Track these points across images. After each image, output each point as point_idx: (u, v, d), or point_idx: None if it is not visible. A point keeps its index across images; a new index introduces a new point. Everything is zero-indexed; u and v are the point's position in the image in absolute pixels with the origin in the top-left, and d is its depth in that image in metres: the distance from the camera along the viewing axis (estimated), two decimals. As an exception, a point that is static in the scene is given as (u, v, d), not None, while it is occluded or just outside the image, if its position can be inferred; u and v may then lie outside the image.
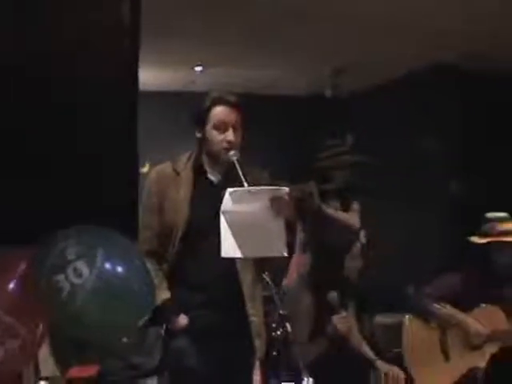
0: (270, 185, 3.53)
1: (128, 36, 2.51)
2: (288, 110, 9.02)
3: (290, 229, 3.53)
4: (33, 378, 3.78)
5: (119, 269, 2.30)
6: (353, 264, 4.79)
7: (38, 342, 2.60)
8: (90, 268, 2.23)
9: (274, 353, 3.36)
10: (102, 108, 2.50)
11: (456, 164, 7.82)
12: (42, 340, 2.63)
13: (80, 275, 2.21)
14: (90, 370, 6.76)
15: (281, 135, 8.91)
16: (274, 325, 3.27)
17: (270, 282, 3.47)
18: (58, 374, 6.21)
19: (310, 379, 2.93)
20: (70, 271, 2.22)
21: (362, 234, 7.78)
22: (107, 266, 2.27)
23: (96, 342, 2.92)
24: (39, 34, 2.38)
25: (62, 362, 6.33)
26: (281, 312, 3.16)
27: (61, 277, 2.23)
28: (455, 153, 7.85)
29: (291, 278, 5.48)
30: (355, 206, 5.99)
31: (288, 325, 3.13)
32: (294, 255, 5.63)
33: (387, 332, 6.47)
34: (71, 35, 2.40)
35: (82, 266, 2.22)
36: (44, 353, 6.07)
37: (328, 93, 8.20)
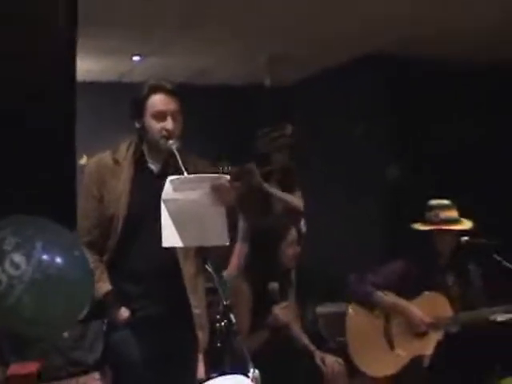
0: (211, 173, 3.50)
1: (65, 27, 2.43)
2: (227, 99, 9.02)
3: (230, 217, 3.50)
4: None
5: (58, 259, 2.22)
6: (289, 251, 4.68)
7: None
8: (27, 259, 2.15)
9: (218, 344, 3.31)
10: (38, 99, 2.41)
11: (394, 151, 7.91)
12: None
13: (17, 267, 2.14)
14: (30, 367, 6.66)
15: (220, 124, 8.91)
16: (218, 316, 3.22)
17: (212, 273, 3.42)
18: (-3, 370, 6.11)
19: (256, 370, 2.88)
20: (7, 263, 2.14)
21: (303, 222, 7.82)
22: (45, 257, 2.19)
23: (34, 336, 2.83)
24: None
25: (3, 359, 6.22)
26: (225, 303, 3.11)
27: (-4, 268, 2.15)
28: (393, 140, 7.94)
29: (232, 268, 5.45)
30: (297, 192, 6.02)
31: (232, 316, 3.09)
32: (235, 245, 5.61)
33: (330, 321, 6.50)
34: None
35: (19, 257, 2.14)
36: (-18, 350, 5.97)
37: (267, 82, 8.18)
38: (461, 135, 7.82)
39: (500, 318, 4.60)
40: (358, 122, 7.97)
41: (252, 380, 2.84)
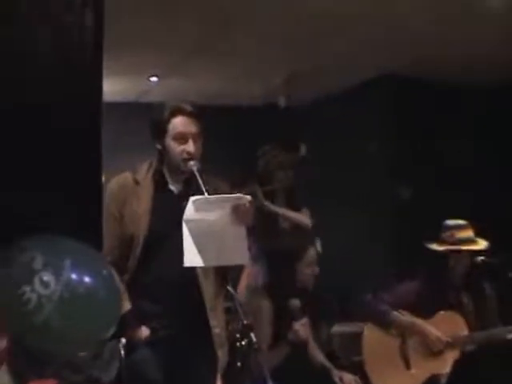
0: (231, 193, 3.53)
1: (91, 47, 2.49)
2: (240, 119, 9.09)
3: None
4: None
5: (86, 279, 2.26)
6: (307, 271, 4.81)
7: (2, 353, 2.55)
8: (56, 278, 2.19)
9: (238, 363, 3.34)
10: (65, 118, 2.46)
11: (405, 170, 7.92)
12: (5, 353, 2.58)
13: (47, 285, 2.18)
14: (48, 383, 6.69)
15: (234, 145, 8.97)
16: (237, 335, 3.26)
17: (233, 292, 3.46)
18: (14, 387, 6.13)
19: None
20: (36, 282, 2.18)
21: (318, 242, 7.83)
22: (74, 276, 2.23)
23: (60, 354, 2.86)
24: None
25: (20, 375, 6.24)
26: (244, 322, 3.14)
27: (27, 288, 2.19)
28: (403, 158, 7.96)
29: (241, 289, 5.47)
30: (304, 211, 6.01)
31: (252, 335, 3.12)
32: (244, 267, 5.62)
33: (345, 341, 6.50)
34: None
35: (48, 276, 2.18)
36: (2, 366, 5.99)
37: (281, 102, 8.22)
38: (473, 154, 7.90)
39: None
40: (369, 141, 7.99)
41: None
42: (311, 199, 6.32)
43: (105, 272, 2.36)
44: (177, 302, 3.61)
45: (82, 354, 5.99)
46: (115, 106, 8.45)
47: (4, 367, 6.00)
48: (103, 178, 3.76)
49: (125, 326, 3.57)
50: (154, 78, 7.94)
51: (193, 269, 3.53)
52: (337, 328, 6.82)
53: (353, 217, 8.10)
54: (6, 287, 2.25)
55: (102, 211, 2.74)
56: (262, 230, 5.55)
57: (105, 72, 6.91)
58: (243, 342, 3.11)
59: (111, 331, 2.37)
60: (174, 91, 8.22)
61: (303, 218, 5.97)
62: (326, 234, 8.02)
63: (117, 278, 2.91)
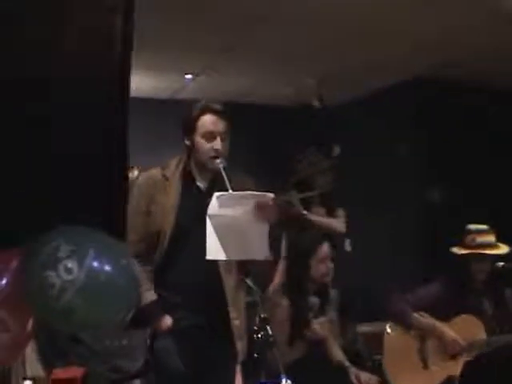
0: (256, 191, 3.61)
1: (120, 44, 2.61)
2: (274, 119, 9.11)
3: (272, 234, 3.64)
4: (21, 376, 3.88)
5: (107, 267, 2.41)
6: (321, 267, 4.87)
7: (27, 336, 2.71)
8: (79, 266, 2.35)
9: (255, 355, 3.46)
10: (92, 110, 2.60)
11: (434, 173, 7.94)
12: (30, 335, 2.74)
13: (70, 272, 2.34)
14: (74, 372, 6.86)
15: (265, 144, 9.01)
16: (255, 327, 3.38)
17: (252, 286, 3.57)
18: (42, 374, 6.31)
19: (289, 381, 3.03)
20: (61, 268, 2.34)
21: (348, 241, 7.91)
22: (96, 264, 2.39)
23: (83, 337, 3.01)
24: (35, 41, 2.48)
25: (47, 363, 6.43)
26: (262, 315, 3.26)
27: (52, 273, 2.35)
28: (433, 162, 7.97)
29: (275, 284, 5.59)
30: (340, 212, 6.09)
31: (268, 327, 3.24)
32: (280, 262, 5.74)
33: (370, 341, 6.57)
34: (66, 45, 2.50)
35: (72, 263, 2.34)
36: (30, 353, 6.18)
37: (316, 103, 8.26)
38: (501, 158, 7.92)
39: None
40: (400, 144, 8.04)
41: (286, 389, 2.99)
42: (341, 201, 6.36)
43: (124, 261, 2.51)
44: (199, 295, 3.75)
45: (106, 341, 6.19)
46: (151, 102, 8.65)
47: (35, 357, 6.19)
48: (137, 173, 3.92)
49: (150, 315, 3.74)
50: (188, 76, 8.02)
51: (215, 263, 3.66)
52: (363, 328, 6.91)
53: (381, 219, 8.17)
54: (33, 273, 2.41)
55: (127, 205, 2.87)
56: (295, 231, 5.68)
57: (141, 69, 7.13)
58: (260, 335, 3.23)
59: (129, 316, 2.51)
60: (207, 89, 8.32)
61: (337, 223, 6.05)
62: (355, 236, 8.17)
63: (136, 267, 3.03)
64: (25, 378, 5.52)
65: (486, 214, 5.18)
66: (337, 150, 8.73)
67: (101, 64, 2.53)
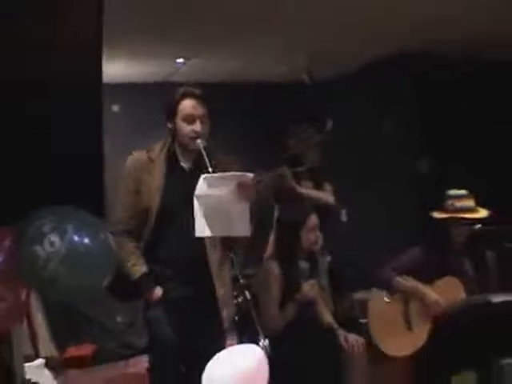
0: (236, 169, 3.87)
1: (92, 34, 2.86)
2: (266, 97, 9.22)
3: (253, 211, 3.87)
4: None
5: (85, 240, 2.74)
6: (310, 237, 5.06)
7: (22, 304, 3.02)
8: (61, 239, 2.67)
9: (236, 318, 3.71)
10: (69, 93, 2.86)
11: (420, 144, 8.16)
12: (25, 305, 3.05)
13: (53, 245, 2.66)
14: (86, 350, 7.17)
15: (259, 122, 9.14)
16: (234, 293, 3.63)
17: (232, 256, 3.82)
18: (55, 353, 6.61)
19: (266, 340, 3.29)
20: (45, 242, 2.66)
21: (344, 212, 8.08)
22: (75, 237, 2.71)
23: (67, 301, 3.34)
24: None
25: (60, 342, 6.73)
26: (240, 281, 3.50)
27: (38, 247, 2.67)
28: (420, 133, 8.18)
29: (267, 254, 5.80)
30: (327, 186, 6.29)
31: (247, 292, 3.47)
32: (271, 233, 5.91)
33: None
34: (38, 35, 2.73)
35: (54, 237, 2.66)
36: (43, 334, 6.47)
37: (306, 79, 8.39)
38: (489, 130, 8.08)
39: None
40: (389, 117, 8.24)
41: (262, 348, 3.25)
42: (332, 174, 6.55)
43: (101, 235, 2.83)
44: (187, 268, 4.00)
45: (118, 319, 6.50)
46: (144, 86, 8.88)
47: (48, 337, 6.47)
48: (136, 155, 4.21)
49: (141, 287, 4.03)
50: (180, 60, 8.17)
51: (201, 238, 3.92)
52: (359, 295, 7.07)
53: (374, 191, 8.40)
54: (22, 247, 2.74)
55: (104, 184, 3.16)
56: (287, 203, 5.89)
57: (133, 54, 7.29)
58: (239, 300, 3.46)
59: (105, 281, 2.83)
60: (199, 71, 8.46)
61: (327, 196, 6.24)
62: (349, 207, 8.40)
63: (111, 239, 3.31)
64: (37, 356, 5.81)
65: (481, 184, 5.36)
66: (330, 124, 8.88)
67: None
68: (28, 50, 2.66)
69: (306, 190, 6.18)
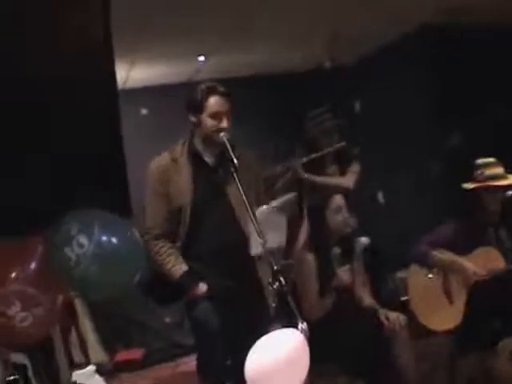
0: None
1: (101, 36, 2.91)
2: (288, 86, 9.17)
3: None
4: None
5: (112, 239, 2.83)
6: (337, 218, 4.99)
7: (58, 308, 3.11)
8: (89, 240, 2.76)
9: (273, 304, 3.73)
10: (85, 92, 2.93)
11: (452, 119, 8.04)
12: (62, 306, 3.14)
13: (82, 246, 2.75)
14: (137, 353, 7.26)
15: (285, 111, 9.00)
16: (269, 280, 3.64)
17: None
18: (106, 358, 6.72)
19: (304, 323, 3.32)
20: (74, 244, 2.75)
21: (381, 193, 7.97)
22: (103, 237, 2.80)
23: (101, 298, 3.42)
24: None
25: (108, 345, 6.83)
26: (274, 268, 3.52)
27: (68, 249, 2.76)
28: (451, 107, 8.06)
29: (299, 243, 5.80)
30: (354, 167, 6.15)
31: (282, 278, 3.50)
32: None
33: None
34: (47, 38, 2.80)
35: (83, 239, 2.75)
36: (92, 340, 6.57)
37: (327, 64, 8.38)
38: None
39: None
40: (414, 93, 8.18)
41: (301, 331, 3.28)
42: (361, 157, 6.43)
43: (128, 234, 2.92)
44: (226, 259, 4.09)
45: (166, 319, 6.56)
46: (169, 87, 8.93)
47: (97, 342, 6.57)
48: (159, 158, 4.28)
49: (184, 285, 4.09)
50: (201, 58, 8.20)
51: (236, 230, 4.01)
52: (402, 274, 7.01)
53: (402, 168, 8.35)
54: (53, 251, 2.82)
55: (128, 186, 3.25)
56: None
57: (155, 57, 7.33)
58: (275, 286, 3.48)
59: (135, 278, 2.92)
60: (222, 67, 8.43)
61: (344, 181, 6.06)
62: (386, 189, 8.38)
63: (139, 238, 3.35)
64: (88, 364, 5.90)
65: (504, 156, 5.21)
66: (357, 107, 8.88)
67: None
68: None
69: (319, 177, 6.08)
